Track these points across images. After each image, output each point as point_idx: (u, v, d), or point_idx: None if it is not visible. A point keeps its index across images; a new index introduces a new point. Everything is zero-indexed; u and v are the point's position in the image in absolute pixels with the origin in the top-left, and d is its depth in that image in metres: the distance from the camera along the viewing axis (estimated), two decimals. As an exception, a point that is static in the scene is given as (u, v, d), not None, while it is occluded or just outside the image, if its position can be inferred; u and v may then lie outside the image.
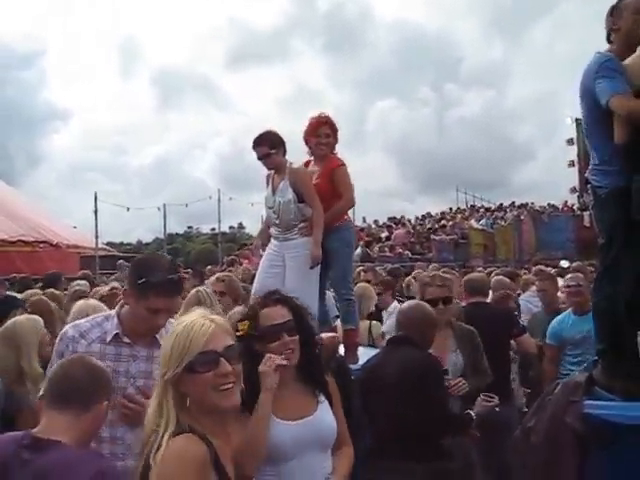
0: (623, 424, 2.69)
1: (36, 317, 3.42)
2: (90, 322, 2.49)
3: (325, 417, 2.37)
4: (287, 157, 4.51)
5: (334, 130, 4.64)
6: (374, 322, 5.56)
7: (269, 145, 4.36)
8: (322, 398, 2.40)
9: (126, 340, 2.44)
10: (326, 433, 2.36)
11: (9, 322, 3.36)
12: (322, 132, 4.58)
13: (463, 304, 4.99)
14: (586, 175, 3.30)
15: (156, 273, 2.33)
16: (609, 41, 3.27)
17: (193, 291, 4.34)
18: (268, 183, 4.52)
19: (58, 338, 2.49)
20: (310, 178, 4.47)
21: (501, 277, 6.49)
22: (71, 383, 2.02)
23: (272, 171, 4.49)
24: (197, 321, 1.78)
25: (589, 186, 3.29)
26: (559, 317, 5.01)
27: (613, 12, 3.24)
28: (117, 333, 2.43)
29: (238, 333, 2.24)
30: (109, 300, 5.22)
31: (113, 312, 2.53)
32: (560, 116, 28.26)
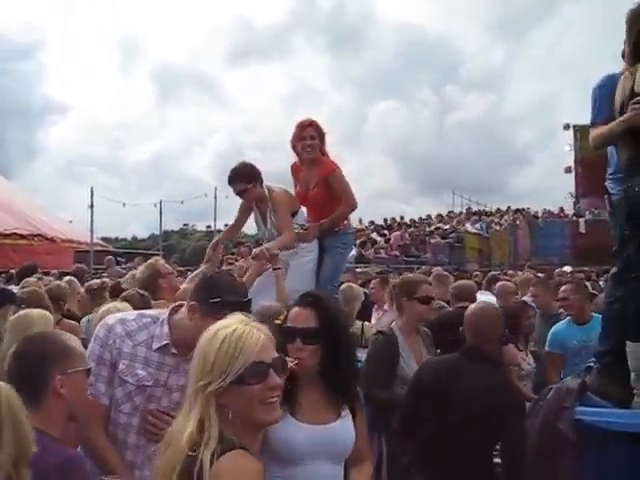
0: (613, 431, 2.69)
1: (47, 312, 3.36)
2: (137, 322, 2.38)
3: (344, 428, 2.29)
4: (290, 156, 4.59)
5: (320, 133, 4.62)
6: (366, 323, 5.57)
7: (245, 180, 4.41)
8: (346, 410, 2.31)
9: (173, 351, 2.35)
10: (341, 444, 2.27)
11: (22, 313, 3.32)
12: (307, 134, 4.56)
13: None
14: (605, 183, 3.36)
15: (231, 294, 2.30)
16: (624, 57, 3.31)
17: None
18: (254, 211, 4.63)
19: (102, 328, 2.36)
20: (286, 205, 4.50)
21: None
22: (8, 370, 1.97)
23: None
24: (245, 329, 1.67)
25: (606, 195, 3.34)
26: (560, 324, 4.97)
27: (631, 27, 3.27)
28: (167, 343, 2.35)
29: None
30: (98, 294, 5.24)
31: (162, 316, 2.41)
32: (560, 121, 28.34)
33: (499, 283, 6.34)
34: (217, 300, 2.25)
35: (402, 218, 22.53)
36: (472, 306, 3.42)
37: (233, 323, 1.69)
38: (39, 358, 1.96)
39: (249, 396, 1.63)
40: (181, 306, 2.43)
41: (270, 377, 1.66)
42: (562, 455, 2.81)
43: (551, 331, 4.94)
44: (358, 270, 9.62)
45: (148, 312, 2.53)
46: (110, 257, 12.17)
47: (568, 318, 4.95)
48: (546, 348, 4.92)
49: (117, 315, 2.47)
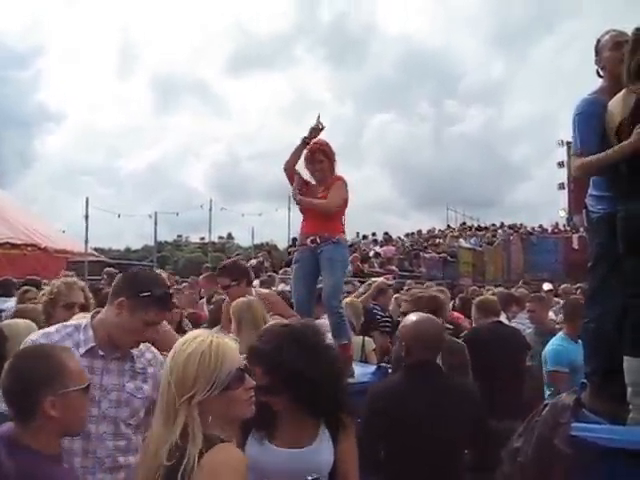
0: (610, 447, 2.69)
1: (32, 323, 3.34)
2: (60, 333, 2.41)
3: (321, 451, 2.28)
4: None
5: (327, 155, 4.68)
6: (367, 338, 5.59)
7: (230, 277, 4.52)
8: (325, 433, 2.30)
9: (100, 353, 2.40)
10: (315, 468, 2.25)
11: (6, 323, 3.30)
12: (316, 158, 4.64)
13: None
14: (585, 200, 3.39)
15: (158, 287, 2.38)
16: (600, 76, 3.40)
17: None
18: None
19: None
20: (279, 301, 4.69)
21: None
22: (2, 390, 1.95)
23: None
24: (219, 340, 1.81)
25: (584, 210, 3.37)
26: (561, 341, 4.94)
27: (596, 51, 3.40)
28: (93, 346, 2.39)
29: None
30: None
31: (83, 322, 2.46)
32: (556, 137, 28.58)
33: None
34: (147, 294, 2.33)
35: (387, 234, 22.48)
36: (412, 318, 3.28)
37: (201, 335, 1.83)
38: (30, 378, 1.92)
39: (233, 400, 1.79)
40: (99, 312, 2.50)
41: (247, 379, 1.85)
42: (558, 471, 2.81)
43: (553, 349, 4.87)
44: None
45: (69, 322, 2.56)
46: (110, 269, 12.05)
47: (560, 334, 4.97)
48: (553, 367, 4.85)
49: (39, 332, 2.52)
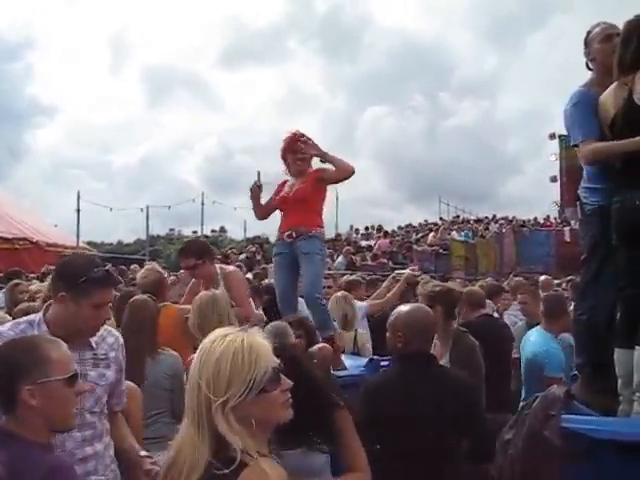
0: (600, 439, 2.70)
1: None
2: (13, 330, 2.36)
3: (310, 453, 2.29)
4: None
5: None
6: (359, 331, 5.58)
7: (195, 256, 4.48)
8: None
9: None
10: (307, 470, 2.26)
11: None
12: (298, 147, 4.68)
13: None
14: (578, 192, 3.39)
15: (93, 269, 2.33)
16: (589, 68, 3.43)
17: None
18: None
19: None
20: (242, 282, 4.76)
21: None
22: None
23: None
24: (251, 338, 1.66)
25: (578, 202, 3.37)
26: (552, 342, 4.68)
27: (586, 43, 3.42)
28: None
29: None
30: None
31: (35, 318, 2.42)
32: (549, 130, 28.58)
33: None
34: (83, 280, 2.29)
35: (380, 227, 22.50)
36: (405, 308, 3.22)
37: (231, 333, 1.67)
38: (8, 367, 1.91)
39: (269, 403, 1.63)
40: (50, 305, 2.44)
41: (283, 379, 1.68)
42: (548, 463, 2.82)
43: (552, 353, 4.53)
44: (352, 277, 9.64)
45: (22, 319, 2.51)
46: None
47: (545, 332, 4.71)
48: (558, 374, 4.39)
49: None
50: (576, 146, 3.25)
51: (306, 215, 4.63)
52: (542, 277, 9.29)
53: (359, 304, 6.01)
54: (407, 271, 7.01)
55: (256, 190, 4.78)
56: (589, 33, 3.39)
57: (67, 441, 2.32)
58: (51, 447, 1.99)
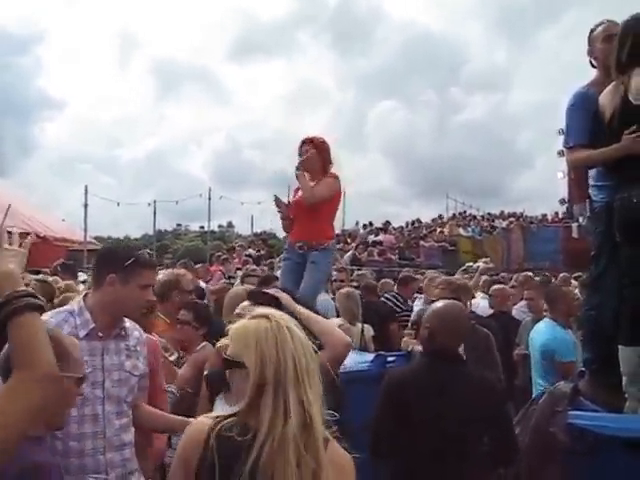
0: (606, 435, 2.71)
1: None
2: (55, 319, 2.40)
3: None
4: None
5: (318, 147, 4.69)
6: (366, 325, 5.60)
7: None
8: None
9: (99, 334, 2.42)
10: None
11: None
12: (303, 150, 4.68)
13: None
14: (589, 190, 3.41)
15: (137, 252, 2.49)
16: (593, 66, 3.48)
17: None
18: None
19: None
20: None
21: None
22: None
23: None
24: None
25: (588, 200, 3.39)
26: (559, 331, 4.75)
27: (589, 42, 3.46)
28: (93, 327, 2.41)
29: None
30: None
31: (75, 307, 2.47)
32: (560, 125, 28.41)
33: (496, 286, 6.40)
34: (132, 260, 2.42)
35: (387, 222, 22.41)
36: (439, 303, 3.19)
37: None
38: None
39: None
40: (87, 294, 2.53)
41: None
42: (554, 459, 2.83)
43: (562, 339, 4.60)
44: (358, 273, 9.66)
45: (61, 308, 2.58)
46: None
47: (552, 322, 4.76)
48: (569, 358, 4.50)
49: None
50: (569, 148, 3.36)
51: (318, 226, 4.64)
52: (561, 274, 9.28)
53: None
54: (480, 264, 7.21)
55: (282, 206, 4.81)
56: (592, 31, 3.41)
57: (107, 428, 2.36)
58: (41, 441, 1.96)
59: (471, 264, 7.26)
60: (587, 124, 3.20)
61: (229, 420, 1.60)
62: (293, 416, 1.54)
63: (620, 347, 2.96)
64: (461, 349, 3.14)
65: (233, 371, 1.68)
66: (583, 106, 3.26)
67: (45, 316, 2.44)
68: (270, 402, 1.56)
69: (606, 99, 3.05)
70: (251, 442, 1.53)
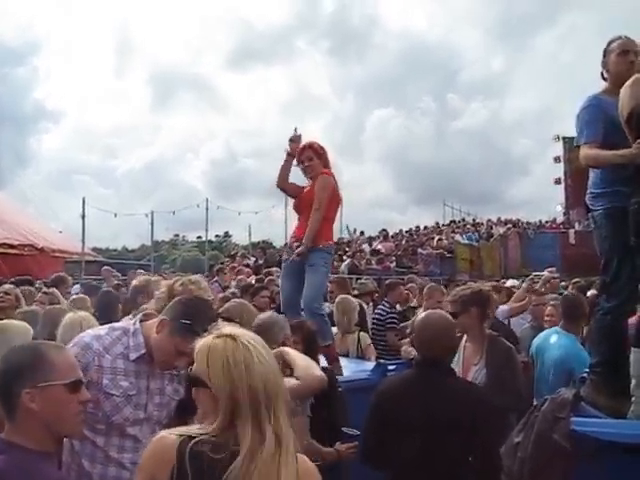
0: (609, 441, 2.70)
1: (26, 324, 3.31)
2: (110, 336, 2.43)
3: None
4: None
5: (317, 153, 4.80)
6: (362, 333, 5.62)
7: None
8: None
9: (148, 358, 2.42)
10: None
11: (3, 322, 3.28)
12: (305, 157, 4.78)
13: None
14: (586, 199, 3.45)
15: (202, 321, 2.27)
16: (604, 78, 3.51)
17: None
18: None
19: (78, 348, 2.37)
20: None
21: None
22: None
23: None
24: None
25: (589, 212, 3.45)
26: (577, 344, 4.63)
27: (605, 54, 3.49)
28: (143, 354, 2.41)
29: None
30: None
31: (131, 328, 2.47)
32: (555, 132, 28.57)
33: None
34: (188, 323, 2.32)
35: (384, 230, 22.40)
36: (426, 315, 3.18)
37: None
38: (9, 370, 1.89)
39: None
40: (147, 318, 2.52)
41: None
42: (557, 466, 2.82)
43: (576, 354, 4.44)
44: (360, 281, 9.65)
45: (116, 325, 2.59)
46: (107, 267, 11.97)
47: (566, 333, 4.67)
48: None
49: (90, 332, 2.52)
50: (579, 147, 3.37)
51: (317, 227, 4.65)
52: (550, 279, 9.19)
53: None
54: (546, 273, 7.01)
55: (296, 142, 4.82)
56: (609, 44, 3.46)
57: (139, 450, 2.30)
58: (52, 457, 1.96)
59: (538, 274, 7.02)
60: (600, 124, 3.25)
61: (202, 438, 1.61)
62: (268, 435, 1.59)
63: (633, 349, 2.98)
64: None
65: (198, 389, 1.70)
66: (597, 107, 3.33)
67: (102, 330, 2.50)
68: (245, 423, 1.60)
69: (625, 94, 3.08)
70: (229, 461, 1.56)
